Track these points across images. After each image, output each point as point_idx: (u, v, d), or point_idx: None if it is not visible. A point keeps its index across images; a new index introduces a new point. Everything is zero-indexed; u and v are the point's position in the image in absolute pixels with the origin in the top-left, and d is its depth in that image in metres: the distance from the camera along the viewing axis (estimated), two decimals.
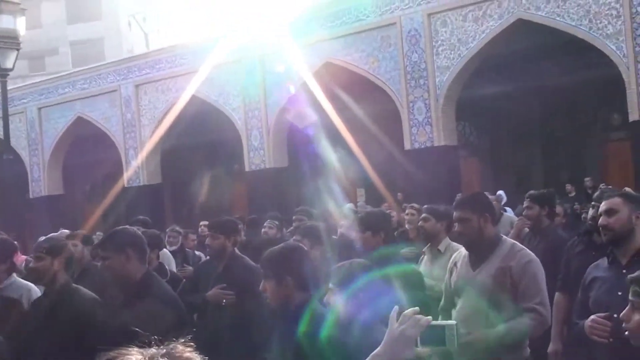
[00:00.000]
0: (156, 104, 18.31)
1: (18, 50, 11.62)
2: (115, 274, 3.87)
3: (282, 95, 15.92)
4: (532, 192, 6.32)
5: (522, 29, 12.81)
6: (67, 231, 7.42)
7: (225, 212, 15.33)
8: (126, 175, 18.73)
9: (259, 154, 16.48)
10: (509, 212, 10.58)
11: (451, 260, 4.27)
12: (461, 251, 4.22)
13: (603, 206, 3.64)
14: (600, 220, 3.62)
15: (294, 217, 7.84)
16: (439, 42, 13.73)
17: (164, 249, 7.09)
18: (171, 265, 7.07)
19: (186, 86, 16.96)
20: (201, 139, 19.26)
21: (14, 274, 5.02)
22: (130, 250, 3.85)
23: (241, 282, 5.03)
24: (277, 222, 7.87)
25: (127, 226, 4.65)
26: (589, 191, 13.54)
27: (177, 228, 9.00)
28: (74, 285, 4.37)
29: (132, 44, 34.73)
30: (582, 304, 3.64)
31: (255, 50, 15.98)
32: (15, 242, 5.69)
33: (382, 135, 14.97)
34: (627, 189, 5.82)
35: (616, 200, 3.60)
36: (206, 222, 8.76)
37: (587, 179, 15.06)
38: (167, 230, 8.97)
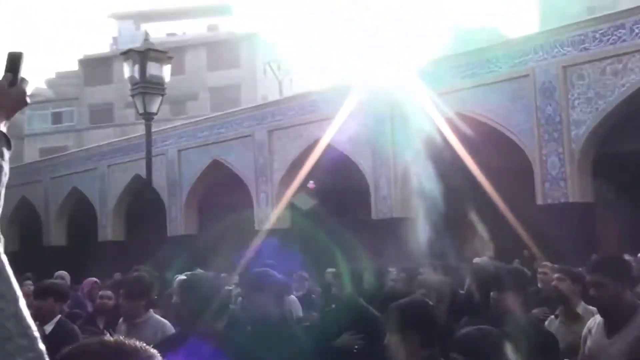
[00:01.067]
0: (288, 149, 18.82)
1: (163, 95, 12.35)
2: None
3: (411, 145, 15.93)
4: None
5: None
6: (200, 270, 7.72)
7: (351, 260, 15.36)
8: (256, 218, 19.28)
9: (386, 203, 16.52)
10: None
11: (586, 327, 4.11)
12: (596, 317, 4.06)
13: None
14: None
15: (420, 270, 7.79)
16: (575, 95, 13.36)
17: (291, 295, 7.23)
18: (298, 311, 7.19)
19: (317, 133, 17.36)
20: (329, 186, 19.55)
21: (151, 310, 5.23)
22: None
23: (370, 330, 5.04)
24: (403, 274, 7.84)
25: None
26: None
27: (303, 273, 9.15)
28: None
29: (266, 91, 36.04)
30: None
31: (385, 99, 16.15)
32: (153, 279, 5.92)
33: (512, 189, 14.62)
34: None
35: None
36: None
37: None
38: (294, 275, 9.12)
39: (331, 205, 20.69)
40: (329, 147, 17.24)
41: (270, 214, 18.93)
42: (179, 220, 21.73)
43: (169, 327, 5.02)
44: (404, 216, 16.26)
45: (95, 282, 8.80)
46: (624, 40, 12.72)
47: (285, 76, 34.20)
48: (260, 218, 19.18)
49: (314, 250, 20.77)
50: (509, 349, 2.80)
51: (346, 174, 17.98)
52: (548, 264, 6.94)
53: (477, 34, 35.80)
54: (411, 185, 16.51)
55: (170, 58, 12.77)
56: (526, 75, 14.09)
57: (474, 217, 14.74)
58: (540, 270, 6.87)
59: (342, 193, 20.07)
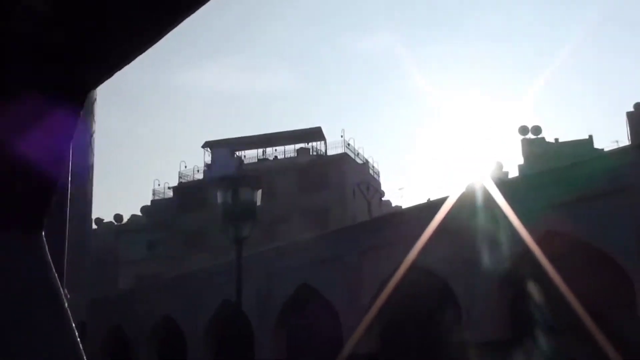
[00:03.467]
0: (378, 269, 18.64)
1: (254, 219, 12.58)
2: None
3: (500, 263, 15.53)
4: None
5: None
6: None
7: None
8: (345, 341, 18.92)
9: (479, 324, 15.95)
10: None
11: None
12: None
13: None
14: None
15: None
16: None
17: None
18: None
19: (406, 253, 17.17)
20: (416, 308, 19.13)
21: None
22: None
23: None
24: None
25: None
26: None
27: None
28: None
29: (355, 212, 36.29)
30: None
31: (474, 216, 15.93)
32: None
33: (611, 307, 13.90)
34: None
35: None
36: None
37: None
38: None
39: (419, 328, 20.16)
40: (417, 267, 17.00)
41: (358, 337, 18.54)
42: (267, 344, 21.58)
43: None
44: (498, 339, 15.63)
45: None
46: None
47: (374, 197, 34.49)
48: (350, 344, 18.80)
49: None
50: None
51: (432, 294, 17.58)
52: None
53: (568, 148, 35.36)
54: (503, 303, 15.94)
55: (261, 183, 13.12)
56: (623, 191, 13.65)
57: (567, 335, 14.03)
58: None
59: (430, 315, 19.57)
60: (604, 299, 14.19)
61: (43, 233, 0.74)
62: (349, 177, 38.88)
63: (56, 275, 0.74)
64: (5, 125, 0.66)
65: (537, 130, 40.24)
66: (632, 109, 35.73)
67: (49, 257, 0.74)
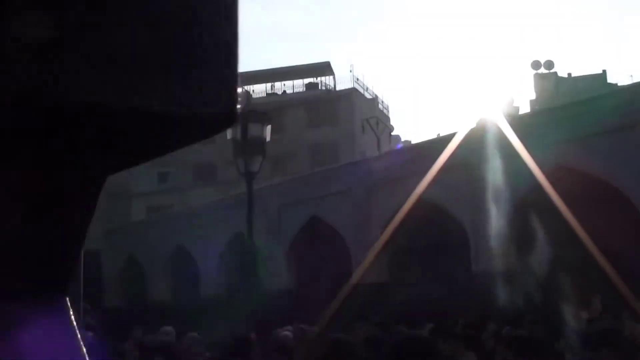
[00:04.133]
0: (387, 204, 18.80)
1: (263, 155, 12.68)
2: None
3: (509, 197, 15.63)
4: None
5: None
6: (307, 327, 7.69)
7: (449, 314, 15.11)
8: (354, 272, 19.24)
9: (488, 254, 16.16)
10: None
11: None
12: None
13: None
14: None
15: None
16: None
17: None
18: None
19: (415, 188, 17.27)
20: (425, 240, 19.33)
21: None
22: None
23: None
24: None
25: None
26: None
27: (403, 328, 8.98)
28: None
29: (364, 147, 36.32)
30: None
31: (484, 152, 15.96)
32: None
33: (625, 246, 14.02)
34: None
35: None
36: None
37: None
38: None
39: (427, 258, 20.45)
40: (426, 201, 17.12)
41: (366, 268, 18.83)
42: (278, 275, 21.97)
43: None
44: (506, 269, 15.87)
45: (195, 337, 8.95)
46: None
47: (383, 131, 34.44)
48: (358, 272, 19.11)
49: (414, 303, 20.49)
50: None
51: (442, 228, 17.77)
52: None
53: (581, 83, 35.02)
54: (513, 240, 16.12)
55: (270, 118, 13.15)
56: (634, 126, 13.62)
57: (574, 272, 14.18)
58: None
59: (438, 247, 19.82)
60: (616, 236, 14.30)
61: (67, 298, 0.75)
62: (358, 112, 38.75)
63: (81, 342, 0.75)
64: None
65: (549, 64, 39.76)
66: None
67: (74, 322, 0.75)
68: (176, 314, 20.34)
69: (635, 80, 29.70)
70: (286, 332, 7.32)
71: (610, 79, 36.52)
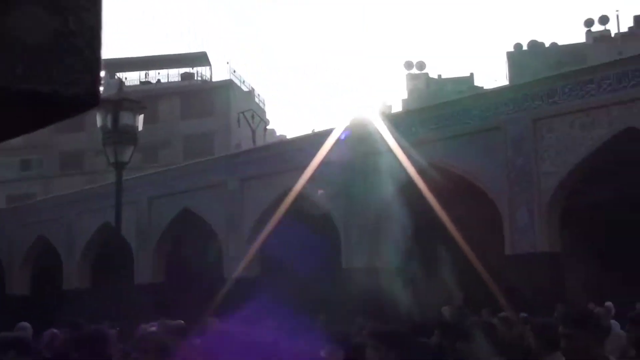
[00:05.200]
0: (260, 198, 18.75)
1: (135, 145, 12.25)
2: None
3: (384, 194, 16.01)
4: None
5: (634, 137, 12.49)
6: (171, 322, 7.52)
7: (323, 311, 15.27)
8: (225, 266, 19.08)
9: (357, 251, 16.47)
10: (616, 326, 10.00)
11: None
12: None
13: None
14: None
15: None
16: (545, 147, 13.55)
17: None
18: None
19: (289, 182, 17.33)
20: (299, 234, 19.45)
21: None
22: None
23: None
24: None
25: None
26: None
27: (272, 322, 8.92)
28: None
29: (239, 140, 36.11)
30: None
31: (359, 147, 16.24)
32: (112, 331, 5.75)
33: (483, 239, 14.68)
34: None
35: None
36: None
37: None
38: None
39: (301, 253, 20.56)
40: (300, 196, 17.21)
41: (240, 263, 18.73)
42: (147, 268, 21.42)
43: None
44: (374, 266, 16.23)
45: (56, 333, 8.53)
46: (592, 95, 12.99)
47: (259, 125, 34.36)
48: (230, 266, 18.98)
49: (285, 298, 20.58)
50: None
51: (317, 223, 17.93)
52: (518, 315, 6.88)
53: (450, 84, 36.43)
54: (382, 235, 16.51)
55: (143, 108, 12.74)
56: (498, 128, 14.28)
57: (444, 266, 14.72)
58: (503, 318, 6.82)
59: (312, 242, 19.98)
60: (479, 232, 14.94)
61: None
62: (234, 104, 38.45)
63: None
64: None
65: (421, 65, 41.13)
66: (512, 49, 37.15)
67: None
68: (36, 309, 19.38)
69: (500, 84, 31.24)
70: (152, 328, 7.12)
71: (477, 82, 38.26)
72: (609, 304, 12.65)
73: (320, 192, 16.04)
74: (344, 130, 15.67)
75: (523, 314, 6.87)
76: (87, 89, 0.66)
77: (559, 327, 3.96)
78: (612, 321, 10.56)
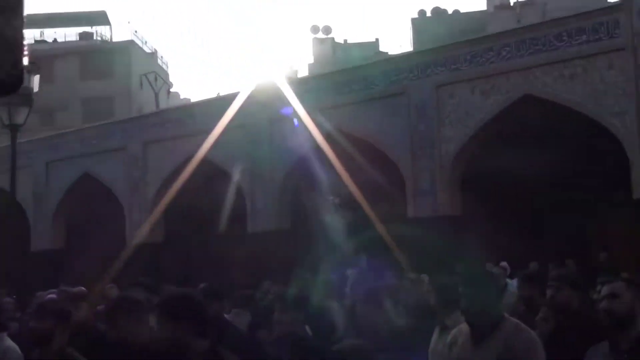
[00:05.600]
0: (163, 163, 18.39)
1: (30, 106, 11.74)
2: None
3: (289, 160, 16.02)
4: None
5: (530, 104, 12.94)
6: (71, 289, 7.31)
7: (225, 274, 15.27)
8: (128, 232, 18.69)
9: (263, 216, 16.47)
10: (513, 284, 10.47)
11: (451, 335, 4.19)
12: (461, 327, 4.14)
13: (606, 290, 3.60)
14: (603, 304, 3.57)
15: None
16: (447, 113, 13.87)
17: None
18: None
19: (193, 147, 17.07)
20: (205, 200, 19.28)
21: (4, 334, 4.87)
22: None
23: None
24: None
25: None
26: (602, 267, 13.39)
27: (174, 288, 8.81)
28: (70, 349, 4.27)
29: (142, 103, 35.19)
30: None
31: (263, 113, 16.15)
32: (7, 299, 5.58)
33: (386, 202, 14.96)
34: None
35: (619, 285, 3.57)
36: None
37: (602, 254, 14.83)
38: (163, 290, 8.83)
39: (205, 219, 20.41)
40: (205, 161, 16.99)
41: (143, 228, 18.38)
42: (45, 235, 20.71)
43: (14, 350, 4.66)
44: (280, 228, 16.29)
45: None
46: (492, 62, 13.34)
47: (162, 88, 33.54)
48: (132, 232, 18.60)
49: (189, 264, 20.42)
50: None
51: (222, 189, 17.79)
52: (421, 276, 7.07)
53: (356, 50, 36.61)
54: (287, 199, 16.57)
55: (38, 68, 12.23)
56: (402, 94, 14.47)
57: (348, 229, 14.93)
58: (413, 282, 6.99)
59: (218, 207, 19.85)
60: (384, 196, 15.20)
61: None
62: (135, 66, 37.33)
63: None
64: None
65: (327, 29, 41.10)
66: (416, 16, 37.65)
67: None
68: None
69: (404, 50, 31.68)
70: (51, 295, 6.89)
71: (382, 47, 38.63)
72: (504, 263, 13.21)
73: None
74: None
75: (424, 275, 7.06)
76: (8, 71, 0.66)
77: (459, 288, 4.07)
78: (509, 280, 11.07)
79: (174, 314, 3.12)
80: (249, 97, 16.33)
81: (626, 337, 3.47)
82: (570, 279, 4.87)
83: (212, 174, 17.26)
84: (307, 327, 4.92)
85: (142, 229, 18.34)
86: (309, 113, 15.10)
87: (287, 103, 15.34)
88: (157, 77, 33.66)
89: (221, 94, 19.29)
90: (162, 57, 42.45)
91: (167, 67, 43.16)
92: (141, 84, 35.83)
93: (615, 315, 3.49)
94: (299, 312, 5.14)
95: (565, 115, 12.78)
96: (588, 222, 17.37)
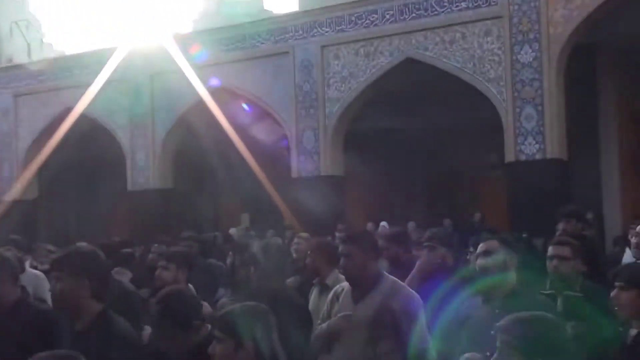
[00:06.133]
0: (36, 116, 17.57)
1: None
2: None
3: (171, 116, 15.71)
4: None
5: (411, 67, 13.23)
6: None
7: (105, 232, 14.91)
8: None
9: (144, 174, 16.11)
10: None
11: (333, 292, 4.28)
12: (343, 284, 4.23)
13: (481, 247, 3.78)
14: (478, 262, 3.75)
15: (182, 244, 7.54)
16: (331, 74, 13.96)
17: (35, 270, 6.75)
18: (44, 286, 6.67)
19: (70, 101, 16.37)
20: (83, 155, 18.61)
21: None
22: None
23: None
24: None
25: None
26: (476, 226, 14.02)
27: (50, 247, 8.53)
28: None
29: (13, 53, 33.19)
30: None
31: (145, 68, 15.69)
32: None
33: (270, 162, 14.99)
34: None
35: (493, 243, 3.75)
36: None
37: (476, 214, 15.54)
38: (38, 248, 8.52)
39: (84, 174, 19.75)
40: (84, 116, 16.35)
41: (15, 185, 17.54)
42: None
43: None
44: (162, 187, 16.02)
45: None
46: (376, 25, 13.50)
47: (35, 37, 31.73)
48: (3, 188, 17.71)
49: (68, 221, 19.73)
50: (270, 324, 2.80)
51: (101, 144, 17.23)
52: (302, 234, 7.15)
53: (241, 6, 36.02)
54: (170, 157, 16.27)
55: None
56: (286, 53, 14.42)
57: (234, 188, 14.88)
58: (295, 240, 7.07)
59: (96, 163, 19.23)
60: (270, 156, 15.23)
61: None
62: (5, 12, 35.07)
63: None
64: None
65: None
66: None
67: None
68: None
69: (291, 9, 31.45)
70: None
71: (268, 5, 38.18)
72: (384, 223, 13.60)
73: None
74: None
75: (306, 234, 7.14)
76: None
77: (340, 247, 4.15)
78: None
79: (77, 270, 3.00)
80: (130, 52, 15.78)
81: (499, 291, 3.66)
82: (443, 238, 5.08)
83: (91, 129, 16.64)
84: (190, 286, 4.89)
85: (14, 185, 17.50)
86: (193, 69, 14.80)
87: (170, 59, 14.95)
88: (30, 26, 31.78)
89: (100, 48, 18.50)
90: (34, 4, 40.09)
91: (41, 15, 40.86)
92: (11, 32, 33.72)
93: (489, 271, 3.68)
94: (182, 271, 5.11)
95: (445, 79, 13.17)
96: (464, 183, 18.18)
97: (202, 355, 2.81)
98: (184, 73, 14.76)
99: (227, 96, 14.87)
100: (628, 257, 7.05)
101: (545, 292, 4.25)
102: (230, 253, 5.82)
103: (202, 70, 14.83)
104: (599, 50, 14.15)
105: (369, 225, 13.92)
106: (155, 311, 3.21)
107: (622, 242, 8.44)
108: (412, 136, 17.26)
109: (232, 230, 14.99)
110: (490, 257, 3.70)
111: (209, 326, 3.10)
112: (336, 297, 4.17)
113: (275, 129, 15.27)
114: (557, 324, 2.52)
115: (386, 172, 18.66)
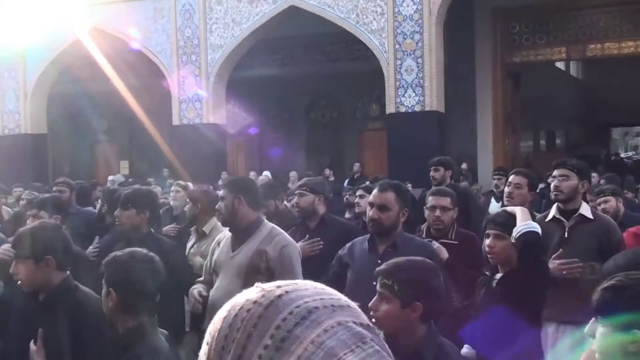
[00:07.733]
0: None
1: None
2: None
3: (45, 58, 14.94)
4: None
5: (295, 15, 13.15)
6: None
7: None
8: None
9: (14, 118, 15.30)
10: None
11: (215, 240, 4.29)
12: (226, 232, 4.24)
13: (378, 200, 3.80)
14: (371, 214, 3.78)
15: (54, 189, 7.24)
16: (213, 19, 13.67)
17: None
18: None
19: None
20: None
21: None
22: None
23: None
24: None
25: None
26: (355, 176, 14.26)
27: None
28: None
29: None
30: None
31: (15, 8, 14.78)
32: None
33: (150, 109, 14.60)
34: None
35: (389, 196, 3.79)
36: None
37: (356, 164, 15.78)
38: None
39: None
40: None
41: None
42: None
43: None
44: (34, 132, 15.30)
45: None
46: None
47: None
48: None
49: None
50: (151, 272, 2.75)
51: None
52: (181, 182, 7.06)
53: None
54: (43, 101, 15.53)
55: None
56: None
57: (115, 135, 14.40)
58: (173, 188, 6.98)
59: None
60: (151, 102, 14.79)
61: None
62: None
63: None
64: None
65: None
66: None
67: None
68: None
69: None
70: None
71: None
72: (266, 172, 13.64)
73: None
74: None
75: (183, 182, 7.06)
76: None
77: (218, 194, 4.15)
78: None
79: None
80: None
81: (384, 242, 3.77)
82: (314, 185, 5.17)
83: None
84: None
85: None
86: (67, 9, 14.07)
87: None
88: None
89: None
90: None
91: None
92: None
93: (383, 225, 3.75)
94: (55, 218, 4.96)
95: (329, 29, 13.20)
96: (346, 134, 18.45)
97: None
98: (57, 12, 14.02)
99: (107, 39, 14.26)
100: (494, 207, 7.45)
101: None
102: (99, 200, 5.69)
103: (79, 10, 14.13)
104: (477, 4, 14.60)
105: (252, 174, 13.93)
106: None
107: (489, 193, 8.86)
108: (295, 86, 17.28)
109: (111, 178, 14.60)
110: (386, 212, 3.75)
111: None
112: (217, 244, 4.19)
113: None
114: (435, 268, 2.67)
115: (269, 121, 18.65)
